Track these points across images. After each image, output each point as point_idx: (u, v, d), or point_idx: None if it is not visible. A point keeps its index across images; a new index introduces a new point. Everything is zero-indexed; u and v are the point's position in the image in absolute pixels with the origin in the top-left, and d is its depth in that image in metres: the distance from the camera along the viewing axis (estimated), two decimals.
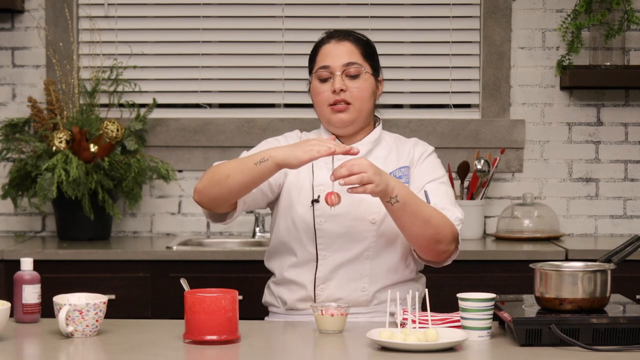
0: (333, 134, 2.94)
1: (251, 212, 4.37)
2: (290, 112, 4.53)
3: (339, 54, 2.92)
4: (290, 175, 2.94)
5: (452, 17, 4.52)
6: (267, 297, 3.06)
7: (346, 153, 2.69)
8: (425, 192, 2.87)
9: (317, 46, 2.98)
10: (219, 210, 2.86)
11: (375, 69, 2.98)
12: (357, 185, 2.64)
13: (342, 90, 2.89)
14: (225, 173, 2.76)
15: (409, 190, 2.76)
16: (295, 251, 2.94)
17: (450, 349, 2.44)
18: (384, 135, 3.03)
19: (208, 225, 4.47)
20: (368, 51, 2.96)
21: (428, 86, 4.55)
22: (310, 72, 2.98)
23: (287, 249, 2.96)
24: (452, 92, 4.54)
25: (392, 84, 4.51)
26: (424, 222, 2.75)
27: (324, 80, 2.92)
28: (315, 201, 2.90)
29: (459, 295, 2.56)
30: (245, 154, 2.91)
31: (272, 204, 3.00)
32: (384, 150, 2.98)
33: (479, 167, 4.34)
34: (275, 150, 2.71)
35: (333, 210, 2.78)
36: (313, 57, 2.98)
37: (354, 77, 2.91)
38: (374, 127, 3.01)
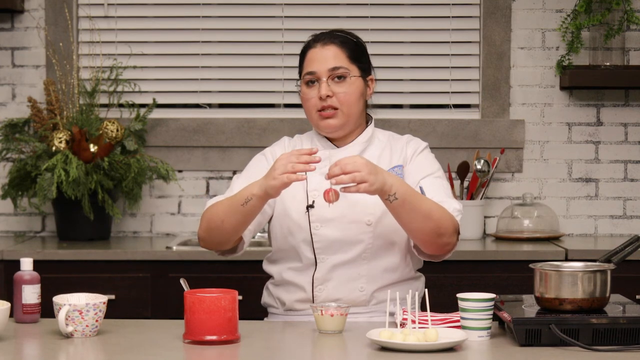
0: (325, 137, 2.96)
1: None
2: (290, 112, 4.53)
3: (324, 58, 2.91)
4: None
5: (452, 17, 4.52)
6: (265, 298, 3.06)
7: (310, 154, 2.67)
8: (421, 187, 2.87)
9: (304, 50, 2.97)
10: (226, 248, 2.90)
11: (364, 69, 2.96)
12: (351, 185, 2.65)
13: (328, 96, 2.89)
14: (219, 218, 2.81)
15: (407, 186, 2.75)
16: (295, 258, 2.94)
17: (450, 349, 2.44)
18: (377, 133, 3.02)
19: None
20: (355, 52, 2.94)
21: (428, 86, 4.55)
22: (299, 77, 2.98)
23: (287, 255, 2.96)
24: (451, 92, 4.54)
25: (392, 84, 4.51)
26: (425, 216, 2.74)
27: (311, 86, 2.92)
28: (310, 207, 2.90)
29: (459, 295, 2.56)
30: (235, 178, 2.96)
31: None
32: (377, 150, 2.97)
33: (478, 167, 4.34)
34: (252, 187, 2.74)
35: (331, 207, 2.77)
36: (301, 61, 2.97)
37: (340, 81, 2.90)
38: (367, 126, 3.00)
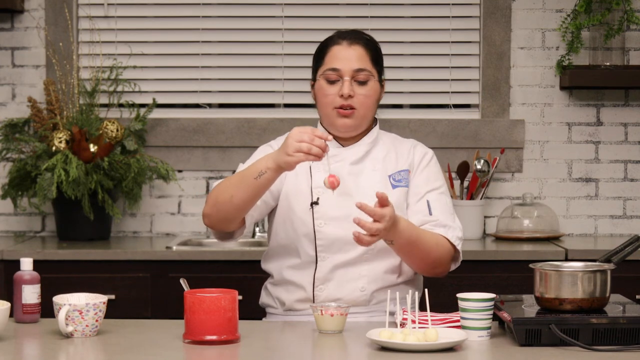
0: (331, 134, 2.96)
1: None
2: (290, 112, 4.53)
3: (350, 57, 2.91)
4: (289, 179, 2.94)
5: (452, 17, 4.52)
6: (264, 299, 3.06)
7: (325, 139, 2.68)
8: (428, 202, 2.92)
9: (327, 45, 2.95)
10: (229, 228, 2.89)
11: (381, 73, 2.98)
12: (364, 232, 2.68)
13: (350, 96, 2.89)
14: (228, 194, 2.78)
15: (408, 233, 2.77)
16: (294, 254, 2.94)
17: (450, 349, 2.44)
18: (381, 135, 3.03)
19: None
20: (376, 56, 2.96)
21: (428, 86, 4.55)
22: (316, 70, 2.96)
23: (286, 251, 2.96)
24: (451, 92, 4.54)
25: (392, 84, 4.50)
26: (422, 256, 2.84)
27: (331, 82, 2.91)
28: (314, 203, 2.90)
29: (459, 295, 2.56)
30: (241, 166, 2.94)
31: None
32: (382, 152, 2.98)
33: (478, 167, 4.34)
34: (266, 160, 2.73)
35: (333, 194, 2.78)
36: (322, 55, 2.95)
37: (362, 83, 2.91)
38: (372, 127, 3.01)
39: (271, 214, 3.01)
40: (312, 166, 2.94)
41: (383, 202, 2.66)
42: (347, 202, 2.83)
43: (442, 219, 2.90)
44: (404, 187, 2.94)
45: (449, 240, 2.89)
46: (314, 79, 2.97)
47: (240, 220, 2.87)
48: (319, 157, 2.66)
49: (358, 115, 2.91)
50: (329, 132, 2.95)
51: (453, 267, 2.95)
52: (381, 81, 2.97)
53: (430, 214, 2.89)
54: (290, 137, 2.67)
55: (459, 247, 2.90)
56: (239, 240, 4.30)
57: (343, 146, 2.97)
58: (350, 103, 2.89)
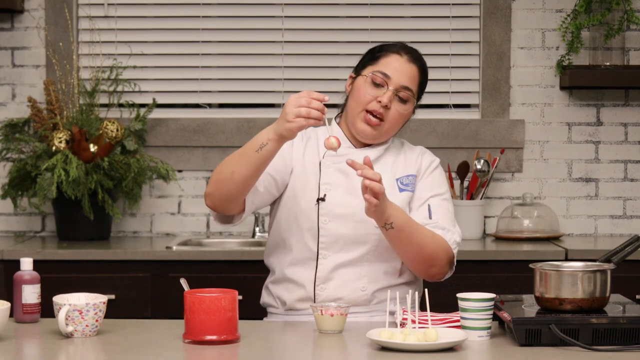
0: (348, 137, 2.98)
1: None
2: None
3: (404, 72, 2.92)
4: (296, 171, 2.95)
5: (452, 17, 4.52)
6: (265, 298, 3.06)
7: (322, 101, 2.67)
8: (429, 206, 2.93)
9: (387, 50, 2.96)
10: (231, 210, 2.87)
11: (419, 99, 3.00)
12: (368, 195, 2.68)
13: (386, 107, 2.89)
14: (230, 170, 2.77)
15: (405, 218, 2.80)
16: (295, 248, 2.94)
17: (450, 349, 2.44)
18: (392, 140, 3.04)
19: (208, 225, 4.47)
20: (424, 83, 3.00)
21: (428, 86, 4.51)
22: (365, 66, 2.96)
23: (287, 244, 2.96)
24: (451, 92, 4.54)
25: None
26: (418, 248, 2.82)
27: (375, 85, 2.91)
28: (320, 199, 2.91)
29: (459, 295, 2.57)
30: None
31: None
32: (391, 156, 3.00)
33: (478, 167, 4.34)
34: (266, 133, 2.72)
35: (334, 154, 2.79)
36: (378, 57, 2.95)
37: (402, 101, 2.92)
38: None
39: (274, 205, 3.00)
40: (322, 162, 2.94)
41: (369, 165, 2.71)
42: (354, 201, 2.84)
43: (442, 223, 2.91)
44: (410, 191, 2.95)
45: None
46: (356, 73, 2.97)
47: (241, 204, 2.86)
48: (318, 120, 2.65)
49: (383, 128, 2.92)
50: (349, 138, 2.96)
51: (448, 275, 2.94)
52: (415, 107, 2.99)
53: (430, 217, 2.90)
54: (288, 104, 2.67)
55: (454, 252, 2.90)
56: (239, 240, 4.34)
57: (355, 147, 2.97)
58: (382, 112, 2.89)
